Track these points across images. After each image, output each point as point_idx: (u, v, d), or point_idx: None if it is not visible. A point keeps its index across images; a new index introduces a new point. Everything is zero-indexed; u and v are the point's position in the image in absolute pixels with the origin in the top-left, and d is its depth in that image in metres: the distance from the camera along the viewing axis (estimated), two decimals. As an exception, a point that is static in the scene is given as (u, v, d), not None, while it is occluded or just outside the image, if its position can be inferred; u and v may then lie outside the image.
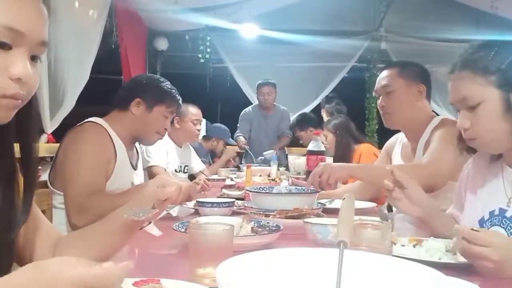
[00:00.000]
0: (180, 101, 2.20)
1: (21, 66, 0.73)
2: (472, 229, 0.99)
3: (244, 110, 5.25)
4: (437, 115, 2.07)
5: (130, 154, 2.10)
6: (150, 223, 1.55)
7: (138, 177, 2.19)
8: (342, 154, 3.47)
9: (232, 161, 4.38)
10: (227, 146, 4.82)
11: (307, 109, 6.10)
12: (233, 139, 4.93)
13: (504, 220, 1.20)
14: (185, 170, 3.47)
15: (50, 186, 1.94)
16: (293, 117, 5.36)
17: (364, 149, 3.49)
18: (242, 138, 4.89)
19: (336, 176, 1.83)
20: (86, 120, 1.98)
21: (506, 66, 1.17)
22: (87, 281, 0.56)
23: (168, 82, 2.16)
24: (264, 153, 4.58)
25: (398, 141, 2.22)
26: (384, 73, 2.11)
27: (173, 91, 2.15)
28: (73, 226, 1.74)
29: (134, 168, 2.14)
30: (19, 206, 0.86)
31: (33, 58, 0.77)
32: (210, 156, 4.95)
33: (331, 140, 3.58)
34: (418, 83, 2.02)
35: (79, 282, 0.56)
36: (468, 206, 1.36)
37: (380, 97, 2.09)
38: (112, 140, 1.96)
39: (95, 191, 1.80)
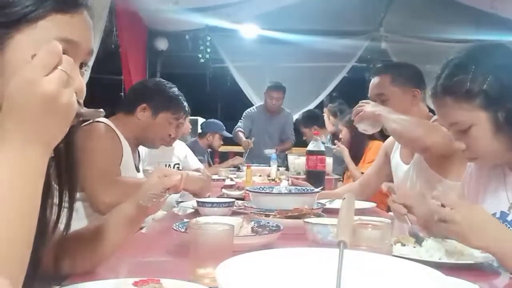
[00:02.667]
0: (187, 108, 2.20)
1: (77, 81, 0.74)
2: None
3: (249, 109, 5.25)
4: (434, 114, 2.05)
5: (134, 157, 2.10)
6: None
7: None
8: (357, 148, 3.59)
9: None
10: (236, 156, 4.86)
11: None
12: (231, 133, 4.96)
13: (505, 224, 1.20)
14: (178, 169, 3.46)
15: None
16: (296, 115, 5.37)
17: (372, 145, 3.56)
18: (241, 134, 4.90)
19: None
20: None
21: (487, 86, 1.14)
22: None
23: (176, 88, 2.16)
24: (266, 151, 4.59)
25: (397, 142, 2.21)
26: (376, 79, 2.06)
27: (180, 97, 2.14)
28: (101, 203, 1.73)
29: (138, 170, 2.14)
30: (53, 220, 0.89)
31: (81, 66, 0.80)
32: (210, 154, 4.96)
33: (346, 134, 3.67)
34: (413, 88, 2.00)
35: None
36: None
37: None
38: (120, 141, 1.97)
39: (116, 174, 1.86)
